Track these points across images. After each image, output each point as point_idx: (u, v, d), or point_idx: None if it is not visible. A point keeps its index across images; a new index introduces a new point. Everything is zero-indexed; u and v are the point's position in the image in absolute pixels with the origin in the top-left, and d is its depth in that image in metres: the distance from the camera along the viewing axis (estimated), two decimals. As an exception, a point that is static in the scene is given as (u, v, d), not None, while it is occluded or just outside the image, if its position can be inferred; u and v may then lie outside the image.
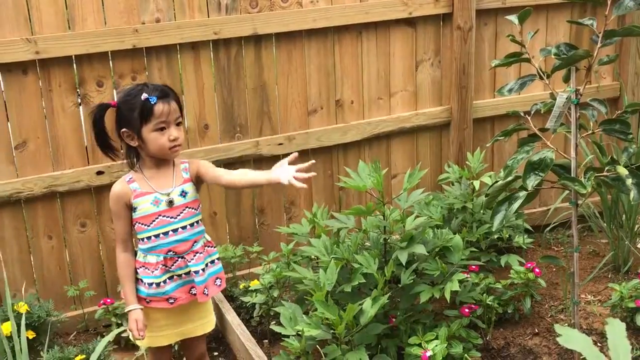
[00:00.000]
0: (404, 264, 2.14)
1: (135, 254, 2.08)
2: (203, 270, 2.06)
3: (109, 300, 2.71)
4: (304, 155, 3.09)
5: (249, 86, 2.94)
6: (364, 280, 2.14)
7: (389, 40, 3.14)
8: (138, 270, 2.06)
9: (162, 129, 1.96)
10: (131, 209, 2.03)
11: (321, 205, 3.15)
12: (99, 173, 2.76)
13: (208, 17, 2.80)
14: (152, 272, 2.02)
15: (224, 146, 2.94)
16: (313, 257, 2.44)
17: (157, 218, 2.00)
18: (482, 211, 2.73)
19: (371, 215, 2.23)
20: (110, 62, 2.73)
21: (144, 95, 1.94)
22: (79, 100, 2.74)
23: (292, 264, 2.37)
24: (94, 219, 2.83)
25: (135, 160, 2.06)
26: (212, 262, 2.11)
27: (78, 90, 2.72)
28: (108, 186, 2.81)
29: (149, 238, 2.01)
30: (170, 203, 2.02)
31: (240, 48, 2.89)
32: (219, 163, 2.95)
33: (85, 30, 2.63)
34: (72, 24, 2.64)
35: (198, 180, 2.10)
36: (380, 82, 3.17)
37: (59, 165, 2.73)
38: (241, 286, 2.77)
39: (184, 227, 2.04)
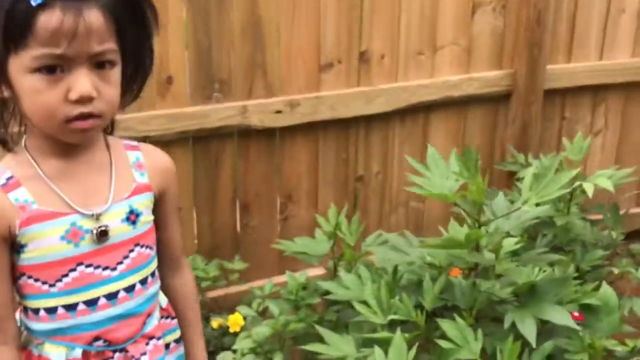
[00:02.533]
0: (532, 343, 1.20)
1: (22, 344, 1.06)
2: None
3: None
4: (310, 129, 2.15)
5: (236, 23, 1.97)
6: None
7: (440, -31, 2.19)
8: None
9: (51, 69, 0.90)
10: (13, 247, 1.00)
11: (329, 201, 2.23)
12: None
13: None
14: None
15: (195, 111, 1.98)
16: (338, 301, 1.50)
17: (73, 270, 1.00)
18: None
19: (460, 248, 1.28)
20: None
21: None
22: None
23: (316, 327, 1.37)
24: None
25: (17, 129, 1.02)
26: (167, 345, 1.15)
27: None
28: None
29: (51, 311, 1.02)
30: (102, 236, 1.01)
31: (225, -37, 1.91)
32: (187, 136, 1.99)
33: None
34: None
35: (156, 202, 1.10)
36: (424, 29, 2.23)
37: None
38: (214, 324, 1.84)
39: (129, 289, 1.05)
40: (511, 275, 1.30)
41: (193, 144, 2.03)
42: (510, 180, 2.38)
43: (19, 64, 0.90)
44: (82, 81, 0.91)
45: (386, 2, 2.14)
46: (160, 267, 1.14)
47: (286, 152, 2.16)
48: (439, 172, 1.33)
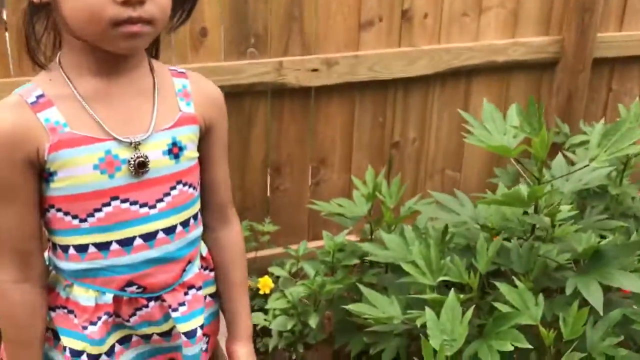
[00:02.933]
0: (600, 311, 1.11)
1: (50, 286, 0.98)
2: (201, 328, 1.02)
3: None
4: (346, 89, 2.06)
5: (274, -26, 1.88)
6: (520, 343, 1.09)
7: None
8: (53, 317, 0.98)
9: None
10: (42, 174, 0.90)
11: (363, 167, 2.15)
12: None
13: None
14: (84, 325, 0.95)
15: (229, 65, 1.89)
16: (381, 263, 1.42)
17: (107, 204, 0.90)
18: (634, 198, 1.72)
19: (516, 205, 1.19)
20: None
21: None
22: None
23: (358, 285, 1.29)
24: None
25: (52, 44, 0.92)
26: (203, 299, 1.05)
27: None
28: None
29: (82, 249, 0.93)
30: (142, 167, 0.91)
31: None
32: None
33: None
34: None
35: (202, 138, 1.00)
36: (470, -11, 2.12)
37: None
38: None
39: (168, 231, 0.96)
40: (570, 241, 1.21)
41: (226, 100, 1.94)
42: (553, 152, 2.27)
43: None
44: None
45: (433, -42, 2.03)
46: (203, 214, 1.04)
47: (321, 113, 2.08)
48: (496, 127, 1.24)
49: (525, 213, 1.22)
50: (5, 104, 0.88)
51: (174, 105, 0.96)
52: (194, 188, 1.00)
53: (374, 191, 1.55)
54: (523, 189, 1.15)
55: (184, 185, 0.97)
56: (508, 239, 1.33)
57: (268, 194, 2.10)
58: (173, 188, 0.95)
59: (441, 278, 1.16)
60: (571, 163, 1.88)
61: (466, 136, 1.25)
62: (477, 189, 2.36)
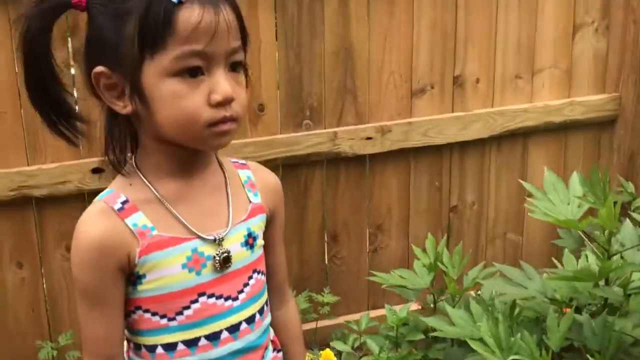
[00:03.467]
0: None
1: None
2: None
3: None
4: (402, 156, 2.07)
5: (327, 48, 1.94)
6: None
7: (538, -10, 2.09)
8: None
9: (192, 71, 0.83)
10: (129, 277, 0.91)
11: (421, 232, 2.13)
12: (97, 171, 1.79)
13: (273, -64, 1.81)
14: None
15: (286, 138, 1.94)
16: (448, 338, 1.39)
17: (194, 301, 0.92)
18: None
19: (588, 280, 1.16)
20: None
21: None
22: (70, 59, 1.78)
23: None
24: (87, 239, 1.86)
25: (128, 148, 0.94)
26: None
27: (69, 41, 1.77)
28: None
29: (170, 347, 0.93)
30: (227, 262, 0.93)
31: (318, -12, 1.89)
32: (276, 163, 1.95)
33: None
34: None
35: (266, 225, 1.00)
36: (521, 52, 2.12)
37: (36, 157, 1.78)
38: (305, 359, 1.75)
39: (249, 320, 0.96)
40: (647, 314, 1.16)
41: (282, 172, 1.99)
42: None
43: (157, 69, 0.83)
44: (223, 82, 0.84)
45: (481, 29, 2.06)
46: (270, 299, 1.05)
47: (376, 179, 2.09)
48: (559, 198, 1.21)
49: (596, 285, 1.18)
50: (93, 213, 0.90)
51: (244, 197, 0.98)
52: (264, 274, 1.01)
53: (435, 261, 1.53)
54: (593, 263, 1.11)
55: (258, 273, 0.99)
56: (579, 311, 1.28)
57: (326, 263, 2.10)
58: (250, 278, 0.97)
59: (512, 357, 1.12)
60: (639, 225, 1.82)
61: (529, 206, 1.22)
62: (540, 253, 2.30)
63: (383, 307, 2.09)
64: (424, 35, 2.01)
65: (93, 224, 0.89)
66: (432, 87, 2.07)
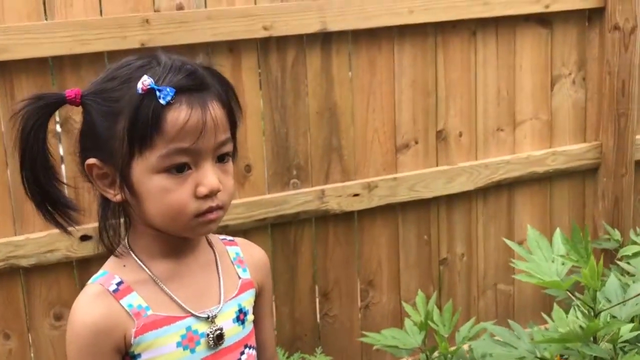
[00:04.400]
0: None
1: None
2: None
3: None
4: (389, 211, 2.09)
5: (311, 109, 1.98)
6: None
7: (515, 45, 2.15)
8: None
9: (179, 167, 0.88)
10: (124, 359, 0.93)
11: (412, 286, 2.13)
12: (85, 238, 1.79)
13: (255, 4, 1.87)
14: None
15: (273, 198, 1.95)
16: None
17: None
18: None
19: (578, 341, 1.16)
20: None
21: (145, 82, 0.85)
22: (58, 126, 1.80)
23: None
24: (76, 307, 1.84)
25: (121, 231, 0.98)
26: None
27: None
28: (97, 258, 1.86)
29: None
30: (220, 339, 0.95)
31: (300, 51, 1.94)
32: (265, 223, 1.96)
33: (69, 20, 1.72)
34: (50, 11, 1.73)
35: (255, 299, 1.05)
36: (502, 105, 2.17)
37: (23, 226, 1.78)
38: None
39: None
40: (638, 370, 1.16)
41: (272, 231, 1.99)
42: (604, 259, 2.21)
43: (145, 166, 0.87)
44: (210, 176, 0.88)
45: (461, 84, 2.11)
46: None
47: (365, 235, 2.10)
48: (543, 256, 1.23)
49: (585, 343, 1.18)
50: (90, 295, 0.92)
51: (234, 273, 1.01)
52: (255, 349, 1.02)
53: (426, 320, 1.53)
54: (580, 322, 1.12)
55: (250, 348, 1.00)
56: (570, 367, 1.27)
57: (318, 321, 2.08)
58: (242, 353, 0.98)
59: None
60: (626, 273, 1.83)
61: (514, 266, 1.24)
62: (533, 301, 2.30)
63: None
64: (405, 93, 2.06)
65: (90, 308, 0.91)
66: (416, 142, 2.10)
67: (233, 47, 1.87)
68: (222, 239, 1.05)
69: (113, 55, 1.77)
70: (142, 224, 0.94)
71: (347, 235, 2.08)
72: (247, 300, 1.00)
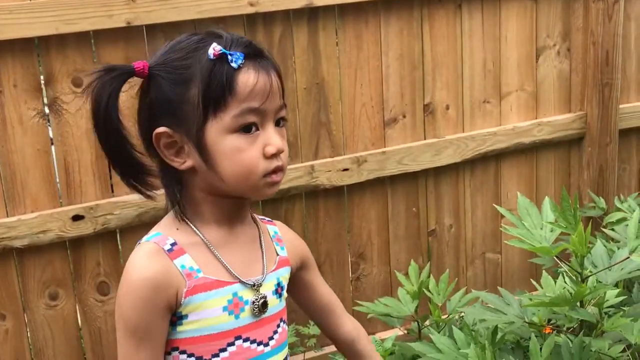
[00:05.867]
0: None
1: None
2: None
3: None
4: (378, 184, 2.11)
5: (299, 85, 1.98)
6: None
7: (500, 17, 2.17)
8: None
9: (249, 128, 0.93)
10: (170, 319, 0.96)
11: (402, 258, 2.17)
12: (77, 218, 1.80)
13: (240, -20, 1.86)
14: None
15: (264, 174, 1.96)
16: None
17: (231, 344, 0.96)
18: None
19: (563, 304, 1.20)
20: (94, 48, 1.79)
21: (216, 48, 0.92)
22: (46, 108, 1.79)
23: None
24: (70, 286, 1.86)
25: (180, 200, 1.00)
26: None
27: (44, 91, 1.79)
28: (90, 238, 1.89)
29: None
30: (264, 307, 1.00)
31: (287, 27, 1.94)
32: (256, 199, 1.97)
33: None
34: (34, -10, 1.71)
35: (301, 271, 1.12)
36: (488, 77, 2.19)
37: (15, 208, 1.78)
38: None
39: None
40: (622, 332, 1.20)
41: (262, 207, 2.01)
42: (590, 226, 2.25)
43: (219, 127, 0.92)
44: (275, 137, 0.94)
45: (447, 57, 2.12)
46: (335, 325, 1.15)
47: (355, 209, 2.12)
48: (533, 222, 1.26)
49: (572, 307, 1.22)
50: (146, 252, 0.96)
51: (273, 249, 1.05)
52: (287, 325, 1.07)
53: (420, 289, 1.56)
54: (568, 288, 1.15)
55: (284, 322, 1.05)
56: (558, 331, 1.31)
57: (310, 294, 2.11)
58: (278, 325, 1.03)
59: (496, 382, 1.16)
60: (611, 240, 1.87)
61: (505, 231, 1.27)
62: (520, 270, 2.34)
63: (369, 335, 2.12)
64: (392, 67, 2.07)
65: (147, 264, 0.94)
66: (404, 116, 2.12)
67: (219, 24, 1.86)
68: (261, 218, 1.09)
69: (99, 34, 1.77)
70: (201, 191, 0.97)
71: (337, 210, 2.10)
72: (284, 276, 1.04)
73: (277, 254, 1.05)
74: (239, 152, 0.92)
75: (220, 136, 0.92)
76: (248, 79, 0.92)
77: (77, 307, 1.89)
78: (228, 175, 0.94)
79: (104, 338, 1.91)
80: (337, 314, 1.16)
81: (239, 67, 0.92)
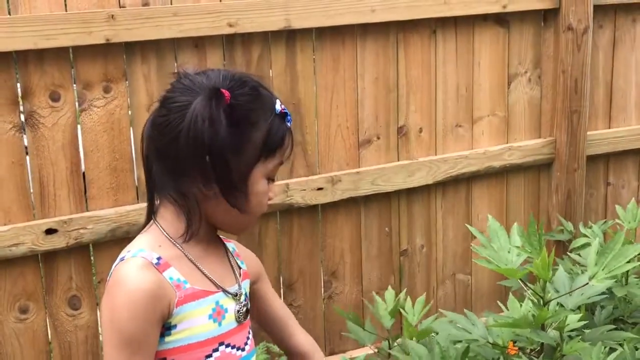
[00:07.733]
0: None
1: None
2: None
3: None
4: (352, 204, 2.15)
5: (276, 105, 2.01)
6: None
7: (473, 44, 2.23)
8: None
9: (272, 178, 1.10)
10: (161, 328, 1.01)
11: (374, 277, 2.20)
12: (50, 232, 1.80)
13: (220, 1, 1.89)
14: None
15: (239, 192, 1.98)
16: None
17: (215, 350, 1.04)
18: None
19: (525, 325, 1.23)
20: (72, 64, 1.81)
21: (282, 106, 1.08)
22: (22, 120, 1.80)
23: None
24: (41, 300, 1.85)
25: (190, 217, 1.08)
26: None
27: (21, 105, 1.79)
28: (63, 252, 1.88)
29: None
30: (247, 314, 1.10)
31: (265, 48, 1.97)
32: (231, 216, 1.99)
33: (34, 14, 1.72)
34: (14, 5, 1.73)
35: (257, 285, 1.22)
36: (461, 102, 2.25)
37: (-13, 220, 1.78)
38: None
39: None
40: (581, 356, 1.24)
41: (237, 225, 2.03)
42: (558, 250, 2.31)
43: (262, 169, 1.05)
44: (276, 188, 1.15)
45: (422, 82, 2.18)
46: (289, 336, 1.23)
47: (329, 228, 2.15)
48: (501, 245, 1.30)
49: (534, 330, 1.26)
50: (138, 265, 1.00)
51: (235, 263, 1.15)
52: (256, 344, 1.14)
53: (395, 307, 1.59)
54: (531, 310, 1.19)
55: (250, 330, 1.13)
56: (522, 353, 1.35)
57: (282, 312, 2.13)
58: (249, 332, 1.11)
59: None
60: (577, 264, 1.93)
61: (475, 251, 1.31)
62: (489, 291, 2.39)
63: (340, 352, 2.14)
64: (368, 89, 2.11)
65: (142, 276, 0.99)
66: (378, 138, 2.16)
67: (198, 43, 1.89)
68: (220, 237, 1.16)
69: (78, 50, 1.78)
70: (202, 220, 1.05)
71: (311, 228, 2.13)
72: (246, 287, 1.14)
73: (239, 267, 1.15)
74: (264, 195, 1.07)
75: (260, 178, 1.05)
76: (289, 139, 1.09)
77: (47, 320, 1.88)
78: (249, 211, 1.06)
79: (74, 352, 1.90)
80: (291, 325, 1.25)
81: (289, 127, 1.09)
